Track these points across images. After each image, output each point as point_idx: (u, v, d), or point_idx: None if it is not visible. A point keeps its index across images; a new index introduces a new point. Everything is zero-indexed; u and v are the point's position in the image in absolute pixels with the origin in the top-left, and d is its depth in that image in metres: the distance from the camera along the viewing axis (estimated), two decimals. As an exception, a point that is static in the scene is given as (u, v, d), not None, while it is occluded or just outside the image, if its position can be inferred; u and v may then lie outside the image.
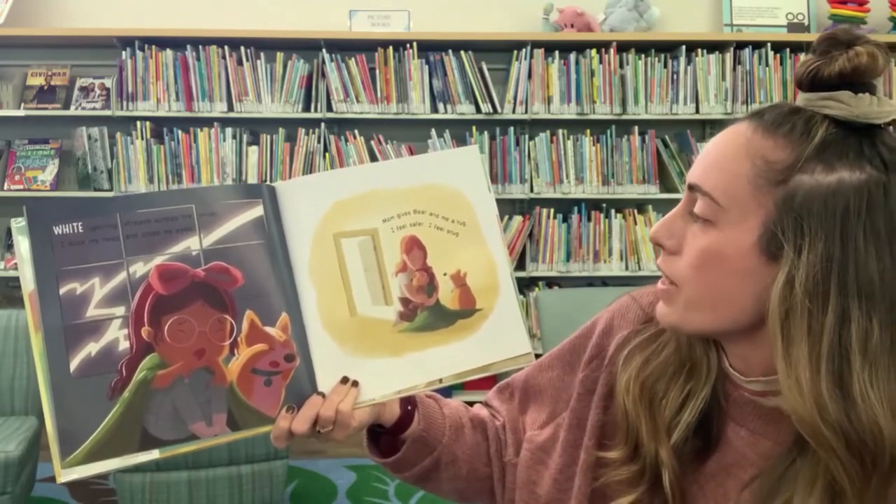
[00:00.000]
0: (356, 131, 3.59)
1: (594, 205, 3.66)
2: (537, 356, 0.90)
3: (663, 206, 3.69)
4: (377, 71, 3.54)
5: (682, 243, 0.71)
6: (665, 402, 0.76)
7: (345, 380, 0.79)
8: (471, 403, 0.98)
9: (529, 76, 3.55)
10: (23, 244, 0.74)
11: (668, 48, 3.66)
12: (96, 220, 0.75)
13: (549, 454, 0.88)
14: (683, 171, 3.58)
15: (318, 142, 3.57)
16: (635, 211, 3.66)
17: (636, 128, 3.62)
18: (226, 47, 3.52)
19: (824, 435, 0.61)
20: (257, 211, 0.79)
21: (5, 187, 3.57)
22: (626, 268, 3.62)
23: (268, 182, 3.29)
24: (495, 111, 3.55)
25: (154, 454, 0.73)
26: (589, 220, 3.63)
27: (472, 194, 0.84)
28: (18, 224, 0.74)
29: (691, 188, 0.71)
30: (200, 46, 3.51)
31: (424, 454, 0.88)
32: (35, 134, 3.67)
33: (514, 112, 3.57)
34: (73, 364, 0.72)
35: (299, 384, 0.77)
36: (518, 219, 3.63)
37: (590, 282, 3.74)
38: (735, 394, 0.76)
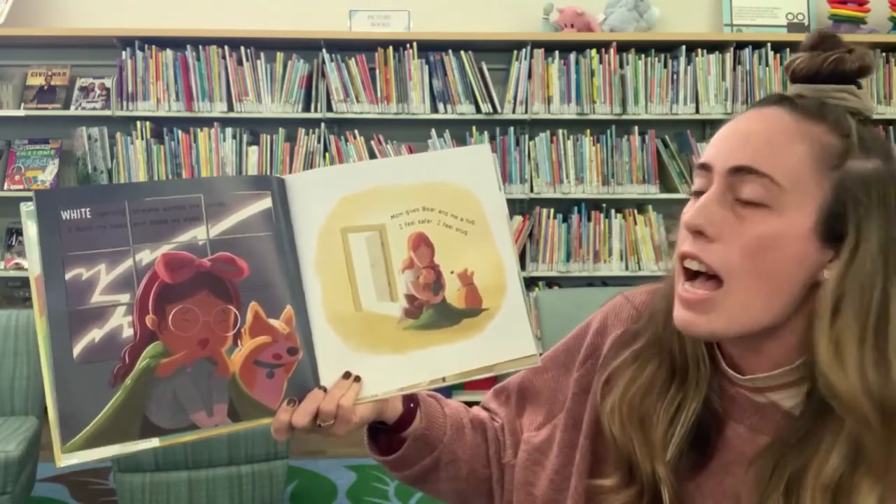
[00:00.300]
0: (356, 131, 3.59)
1: (594, 205, 3.66)
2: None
3: (663, 206, 3.69)
4: (377, 71, 3.54)
5: (723, 230, 0.68)
6: (656, 417, 0.75)
7: (347, 375, 0.78)
8: (470, 404, 0.98)
9: (529, 76, 3.55)
10: (31, 228, 0.74)
11: (668, 48, 3.66)
12: (104, 206, 0.75)
13: (545, 455, 0.87)
14: (683, 171, 3.58)
15: (318, 142, 3.57)
16: (635, 211, 3.66)
17: (636, 128, 3.62)
18: (226, 47, 3.52)
19: (863, 406, 0.64)
20: (265, 203, 0.78)
21: (5, 187, 3.57)
22: (626, 268, 3.62)
23: (268, 182, 3.28)
24: (495, 111, 3.55)
25: (154, 442, 0.73)
26: (589, 220, 3.63)
27: (483, 193, 0.83)
28: (28, 208, 0.74)
29: (738, 170, 0.68)
30: (200, 46, 3.51)
31: (425, 453, 0.87)
32: (35, 134, 3.67)
33: (514, 112, 3.57)
34: (77, 349, 0.72)
35: (301, 377, 0.77)
36: (518, 219, 3.63)
37: (590, 282, 3.74)
38: (731, 390, 0.76)
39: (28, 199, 0.75)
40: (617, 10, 3.64)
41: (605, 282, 3.75)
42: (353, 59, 3.53)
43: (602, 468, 0.82)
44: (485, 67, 3.55)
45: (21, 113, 3.55)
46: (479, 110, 3.55)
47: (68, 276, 0.73)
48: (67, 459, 0.71)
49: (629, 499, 0.76)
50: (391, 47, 3.53)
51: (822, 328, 0.66)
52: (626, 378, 0.79)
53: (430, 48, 3.55)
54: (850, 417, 0.65)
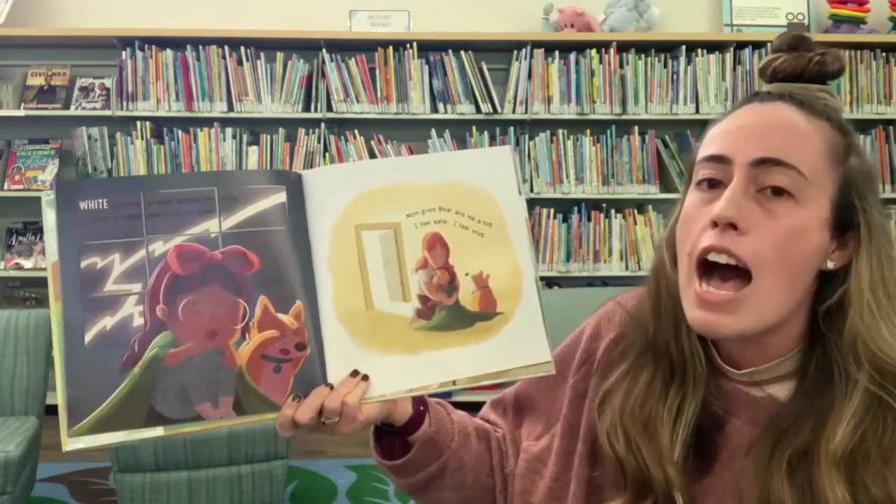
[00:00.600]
0: (356, 131, 3.59)
1: (594, 205, 3.66)
2: None
3: (663, 206, 3.69)
4: (377, 71, 3.54)
5: (752, 223, 0.69)
6: (660, 421, 0.75)
7: (355, 373, 0.77)
8: (476, 406, 0.97)
9: (529, 76, 3.55)
10: (50, 217, 0.76)
11: (668, 48, 3.66)
12: (121, 197, 0.76)
13: (543, 463, 0.87)
14: (683, 171, 3.58)
15: (318, 142, 3.57)
16: (635, 211, 3.66)
17: (636, 128, 3.62)
18: (226, 47, 3.52)
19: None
20: (280, 197, 0.78)
21: (5, 187, 3.57)
22: (627, 268, 3.62)
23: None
24: (495, 111, 3.55)
25: (158, 431, 0.73)
26: (589, 220, 3.63)
27: (501, 195, 0.82)
28: (48, 197, 0.76)
29: (762, 162, 0.69)
30: (200, 46, 3.51)
31: (432, 458, 0.86)
32: (35, 134, 3.67)
33: (514, 112, 3.57)
34: (89, 336, 0.74)
35: (309, 373, 0.76)
36: (518, 219, 3.63)
37: (590, 282, 3.74)
38: (728, 386, 0.76)
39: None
40: (617, 10, 3.64)
41: (605, 282, 3.75)
42: (353, 59, 3.53)
43: (601, 475, 0.81)
44: (485, 67, 3.55)
45: (21, 113, 3.55)
46: (479, 110, 3.55)
47: (84, 264, 0.75)
48: (73, 444, 0.72)
49: None
50: (391, 47, 3.53)
51: (859, 308, 0.69)
52: (621, 393, 0.79)
53: (430, 48, 3.55)
54: (888, 379, 0.68)
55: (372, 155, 3.57)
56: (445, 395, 0.81)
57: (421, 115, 3.55)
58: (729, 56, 3.58)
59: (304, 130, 3.57)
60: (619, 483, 0.77)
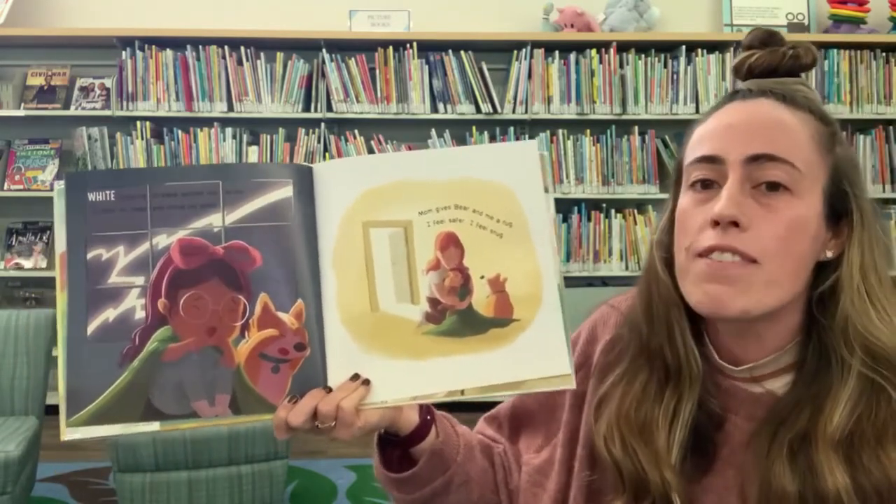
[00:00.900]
0: (356, 131, 3.59)
1: (594, 205, 3.66)
2: None
3: (663, 206, 3.68)
4: (377, 71, 3.55)
5: (752, 219, 0.69)
6: (655, 424, 0.75)
7: (355, 377, 0.74)
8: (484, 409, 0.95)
9: (529, 76, 3.55)
10: (60, 207, 0.76)
11: (668, 48, 3.67)
12: (128, 189, 0.76)
13: (546, 476, 0.85)
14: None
15: (318, 142, 3.57)
16: (635, 211, 3.66)
17: (636, 128, 3.62)
18: (226, 47, 3.52)
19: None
20: (285, 192, 0.76)
21: (5, 187, 3.57)
22: (626, 268, 3.62)
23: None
24: (495, 111, 3.55)
25: (154, 426, 0.73)
26: (589, 220, 3.63)
27: (524, 193, 0.77)
28: (60, 187, 0.77)
29: (756, 158, 0.70)
30: (200, 46, 3.51)
31: (438, 472, 0.82)
32: (35, 134, 3.67)
33: (514, 112, 3.57)
34: (91, 327, 0.74)
35: (308, 375, 0.74)
36: (518, 219, 3.63)
37: (590, 282, 3.74)
38: (726, 384, 0.76)
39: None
40: (617, 10, 3.64)
41: (605, 282, 3.75)
42: (353, 59, 3.53)
43: (600, 478, 0.80)
44: (485, 67, 3.55)
45: (21, 113, 3.55)
46: (479, 110, 3.55)
47: (89, 255, 0.75)
48: (71, 434, 0.73)
49: None
50: (391, 47, 3.53)
51: (854, 297, 0.70)
52: (616, 397, 0.78)
53: (430, 48, 3.55)
54: (884, 366, 0.69)
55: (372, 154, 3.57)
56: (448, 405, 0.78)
57: (421, 115, 3.55)
58: (729, 56, 3.58)
59: (304, 130, 3.57)
60: (616, 486, 0.76)
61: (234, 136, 3.56)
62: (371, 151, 3.57)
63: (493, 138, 3.60)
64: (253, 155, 3.57)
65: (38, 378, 2.53)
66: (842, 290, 0.71)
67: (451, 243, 0.76)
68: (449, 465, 0.82)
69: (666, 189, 3.76)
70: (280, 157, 3.58)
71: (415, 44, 3.52)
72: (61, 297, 0.75)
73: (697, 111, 3.60)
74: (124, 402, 0.73)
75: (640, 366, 0.78)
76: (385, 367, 0.75)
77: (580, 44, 3.59)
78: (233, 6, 3.73)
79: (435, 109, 3.56)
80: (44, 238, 3.62)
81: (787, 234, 0.69)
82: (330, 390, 0.74)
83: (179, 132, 3.55)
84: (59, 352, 0.74)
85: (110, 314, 0.74)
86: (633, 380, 0.78)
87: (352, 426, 0.73)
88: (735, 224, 0.69)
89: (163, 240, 0.75)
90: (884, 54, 3.68)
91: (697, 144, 0.74)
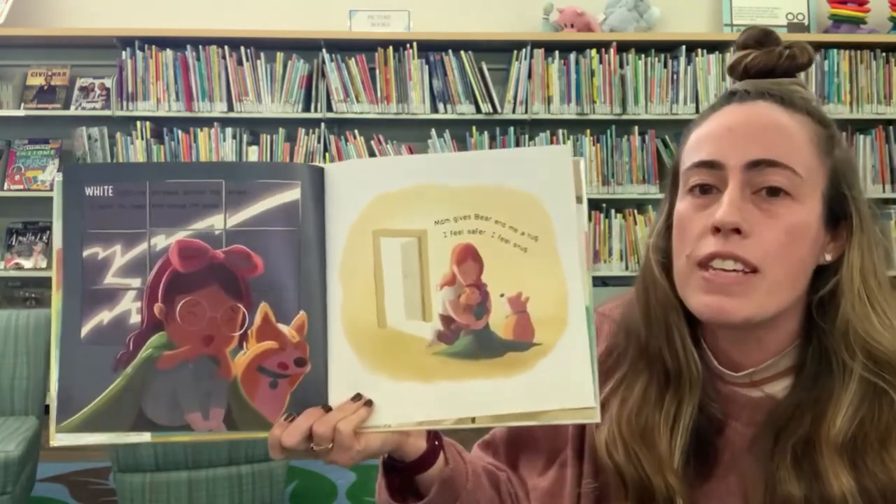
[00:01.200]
0: (356, 131, 3.59)
1: (594, 205, 3.66)
2: None
3: (659, 209, 3.68)
4: (377, 71, 3.55)
5: (754, 225, 0.68)
6: (657, 429, 0.74)
7: (357, 397, 0.69)
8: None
9: (529, 76, 3.55)
10: (57, 201, 0.73)
11: (668, 48, 3.67)
12: (126, 185, 0.72)
13: (557, 499, 0.81)
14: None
15: (318, 142, 3.57)
16: (635, 211, 3.66)
17: (636, 128, 3.62)
18: (226, 47, 3.52)
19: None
20: (293, 194, 0.71)
21: (5, 187, 3.57)
22: (626, 268, 3.62)
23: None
24: (495, 111, 3.55)
25: (146, 437, 0.70)
26: (589, 220, 3.63)
27: (554, 204, 0.70)
28: (59, 178, 0.73)
29: (757, 164, 0.69)
30: (200, 46, 3.51)
31: (449, 502, 0.77)
32: (35, 134, 3.67)
33: (514, 112, 3.57)
34: (85, 329, 0.71)
35: (307, 393, 0.70)
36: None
37: (590, 282, 3.74)
38: (725, 389, 0.76)
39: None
40: (617, 10, 3.64)
41: (605, 282, 3.74)
42: (353, 59, 3.53)
43: (605, 485, 0.79)
44: (485, 67, 3.55)
45: (21, 113, 3.55)
46: (479, 110, 3.55)
47: (86, 253, 0.71)
48: (60, 440, 0.70)
49: None
50: (391, 47, 3.53)
51: (852, 300, 0.70)
52: (616, 403, 0.77)
53: (430, 48, 3.55)
54: (886, 369, 0.69)
55: (372, 155, 3.57)
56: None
57: (421, 115, 3.55)
58: (729, 56, 3.57)
59: (304, 130, 3.57)
60: (620, 493, 0.75)
61: (234, 136, 3.56)
62: (371, 151, 3.58)
63: (492, 138, 3.60)
64: (253, 155, 3.57)
65: (38, 378, 2.53)
66: (842, 294, 0.71)
67: (468, 256, 0.70)
68: (459, 493, 0.77)
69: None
70: (280, 157, 3.58)
71: (415, 44, 3.52)
72: (56, 296, 0.71)
73: (697, 111, 3.59)
74: (116, 409, 0.70)
75: (640, 370, 0.77)
76: (390, 389, 0.70)
77: (580, 44, 3.59)
78: (233, 6, 3.73)
79: (435, 109, 3.56)
80: (44, 238, 3.62)
81: (788, 240, 0.68)
82: (329, 409, 0.69)
83: (179, 132, 3.55)
84: (53, 353, 0.71)
85: (105, 316, 0.71)
86: (633, 384, 0.77)
87: (350, 450, 0.68)
88: (736, 231, 0.68)
89: (161, 240, 0.71)
90: (884, 54, 3.68)
91: (695, 148, 0.73)
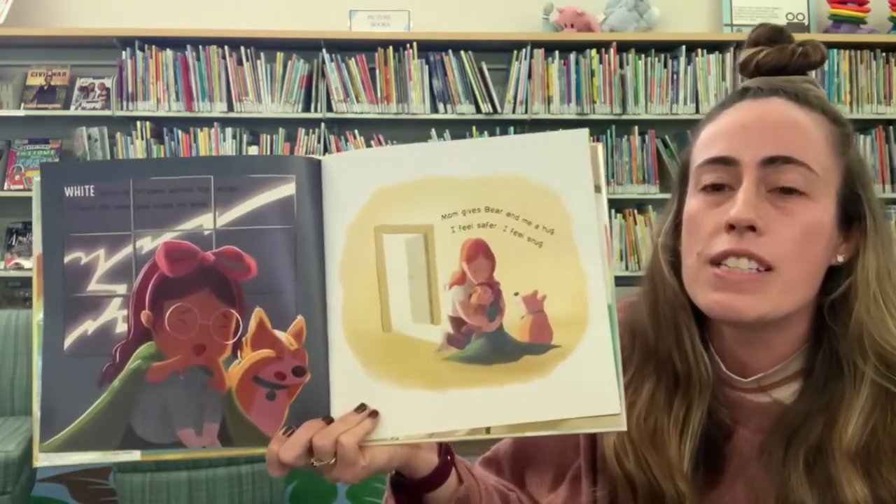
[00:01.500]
0: (356, 131, 3.59)
1: (594, 205, 3.66)
2: None
3: (663, 207, 3.68)
4: (377, 71, 3.54)
5: (769, 223, 0.67)
6: (667, 433, 0.72)
7: (361, 407, 0.64)
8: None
9: (529, 76, 3.55)
10: (35, 203, 0.68)
11: (668, 48, 3.66)
12: (108, 184, 0.67)
13: None
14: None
15: (318, 142, 3.57)
16: (635, 211, 3.66)
17: (636, 128, 3.62)
18: (226, 47, 3.52)
19: None
20: (287, 189, 0.66)
21: (5, 187, 3.56)
22: (627, 268, 3.62)
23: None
24: (495, 111, 3.55)
25: (135, 455, 0.65)
26: (589, 219, 3.63)
27: (571, 195, 0.65)
28: (36, 179, 0.68)
29: (772, 161, 0.67)
30: (200, 46, 3.51)
31: None
32: (35, 134, 3.67)
33: (514, 112, 3.57)
34: (68, 341, 0.66)
35: (307, 404, 0.65)
36: (518, 219, 3.63)
37: (590, 282, 3.74)
38: (733, 395, 0.75)
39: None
40: (617, 10, 3.64)
41: (605, 282, 3.74)
42: (353, 59, 3.53)
43: (609, 492, 0.77)
44: (485, 67, 3.55)
45: (21, 113, 3.55)
46: (479, 110, 3.55)
47: (67, 259, 0.66)
48: (45, 460, 0.65)
49: None
50: (391, 47, 3.53)
51: (863, 300, 0.69)
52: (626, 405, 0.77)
53: (430, 48, 3.54)
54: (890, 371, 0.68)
55: (372, 155, 3.57)
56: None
57: (421, 115, 3.55)
58: (729, 56, 3.58)
59: (304, 130, 3.57)
60: (627, 498, 0.74)
61: (234, 136, 3.56)
62: (371, 151, 3.57)
63: (493, 138, 3.60)
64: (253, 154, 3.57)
65: (38, 378, 2.54)
66: (856, 296, 0.69)
67: (479, 252, 0.65)
68: None
69: (666, 189, 3.78)
70: (280, 157, 3.58)
71: (415, 44, 3.52)
72: (37, 305, 0.66)
73: (698, 111, 3.59)
74: (103, 426, 0.65)
75: (647, 373, 0.76)
76: (397, 398, 0.65)
77: (580, 44, 3.59)
78: (233, 6, 3.73)
79: (435, 109, 3.56)
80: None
81: (803, 239, 0.67)
82: (331, 421, 0.64)
83: (179, 132, 3.55)
84: (34, 366, 0.66)
85: (89, 326, 0.66)
86: (640, 388, 0.75)
87: (354, 465, 0.64)
88: (751, 228, 0.66)
89: (147, 243, 0.66)
90: (884, 54, 3.68)
91: (708, 145, 0.72)
